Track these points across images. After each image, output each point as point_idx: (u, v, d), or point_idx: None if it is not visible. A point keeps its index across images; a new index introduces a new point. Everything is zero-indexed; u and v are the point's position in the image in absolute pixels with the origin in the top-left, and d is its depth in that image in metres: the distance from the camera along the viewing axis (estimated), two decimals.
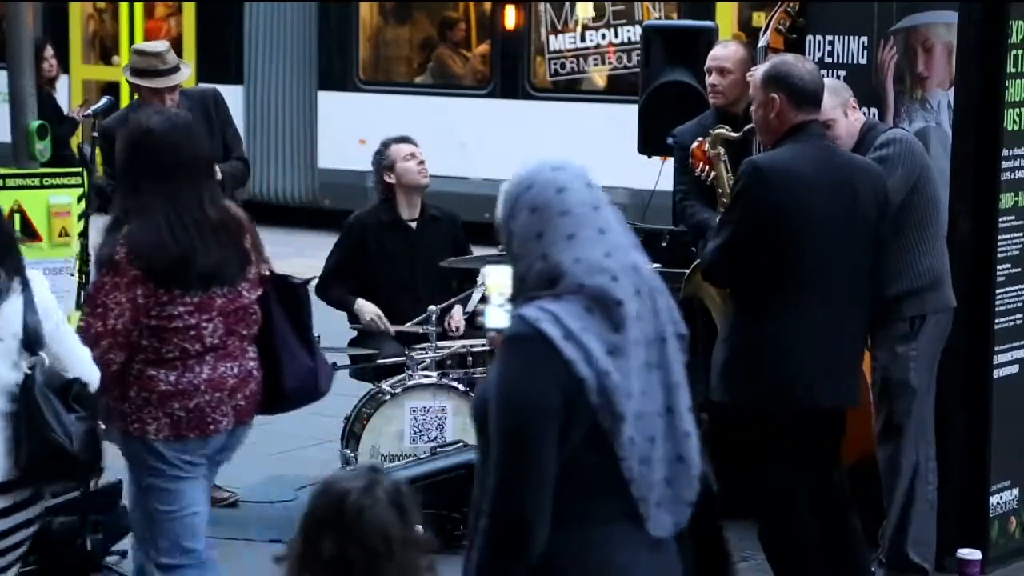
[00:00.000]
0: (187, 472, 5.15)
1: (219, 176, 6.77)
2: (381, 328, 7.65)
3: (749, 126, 6.03)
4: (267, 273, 5.25)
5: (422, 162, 7.82)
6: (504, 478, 3.30)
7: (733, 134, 6.32)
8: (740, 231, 5.42)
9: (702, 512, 3.54)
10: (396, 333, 7.62)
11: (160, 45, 7.52)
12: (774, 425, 5.47)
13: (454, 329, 7.63)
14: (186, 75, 7.37)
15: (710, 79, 7.30)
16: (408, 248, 7.80)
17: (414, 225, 7.85)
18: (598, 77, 15.27)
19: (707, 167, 6.51)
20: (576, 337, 3.31)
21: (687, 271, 6.62)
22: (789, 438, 5.45)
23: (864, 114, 6.40)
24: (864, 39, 6.76)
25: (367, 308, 7.69)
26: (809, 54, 6.85)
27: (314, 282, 7.86)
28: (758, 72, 5.70)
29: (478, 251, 7.95)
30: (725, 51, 7.35)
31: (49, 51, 12.67)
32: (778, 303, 5.43)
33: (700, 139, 6.50)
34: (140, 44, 8.12)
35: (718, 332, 6.19)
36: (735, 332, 5.53)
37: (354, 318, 7.79)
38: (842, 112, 6.17)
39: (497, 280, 3.64)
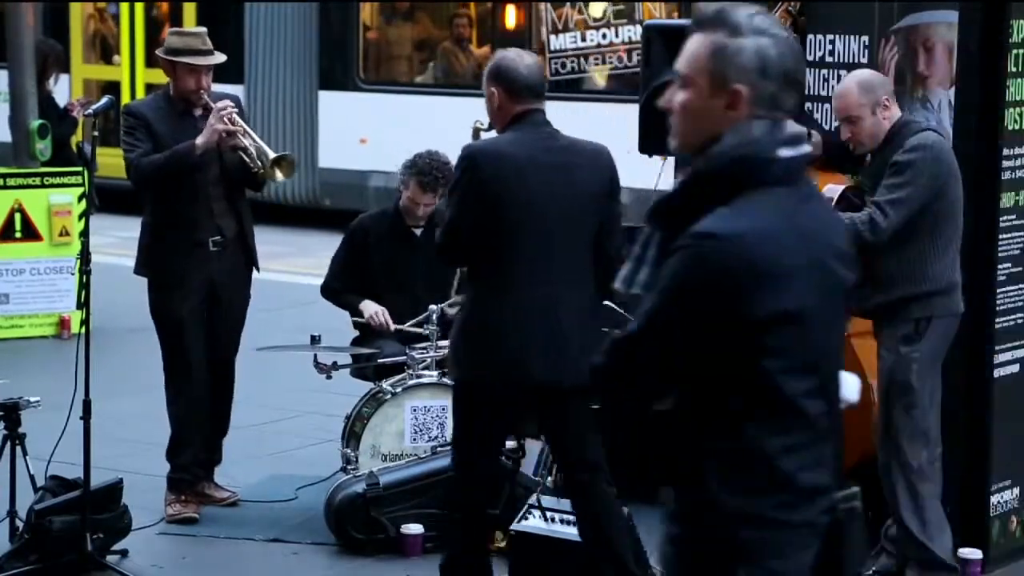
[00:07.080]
0: None
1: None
2: (383, 324, 7.64)
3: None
4: None
5: (424, 207, 7.79)
6: None
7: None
8: (458, 212, 5.70)
9: None
10: (397, 333, 7.62)
11: (198, 28, 7.58)
12: (502, 399, 5.78)
13: None
14: (222, 59, 7.36)
15: None
16: (409, 254, 7.80)
17: (418, 231, 7.85)
18: (599, 76, 15.28)
19: None
20: None
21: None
22: (517, 411, 5.87)
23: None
24: (865, 38, 6.76)
25: (371, 305, 7.70)
26: (810, 53, 6.85)
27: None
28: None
29: None
30: None
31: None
32: (498, 282, 5.71)
33: None
34: (177, 29, 8.17)
35: None
36: (464, 311, 5.84)
37: (357, 315, 7.79)
38: (869, 111, 6.18)
39: None
